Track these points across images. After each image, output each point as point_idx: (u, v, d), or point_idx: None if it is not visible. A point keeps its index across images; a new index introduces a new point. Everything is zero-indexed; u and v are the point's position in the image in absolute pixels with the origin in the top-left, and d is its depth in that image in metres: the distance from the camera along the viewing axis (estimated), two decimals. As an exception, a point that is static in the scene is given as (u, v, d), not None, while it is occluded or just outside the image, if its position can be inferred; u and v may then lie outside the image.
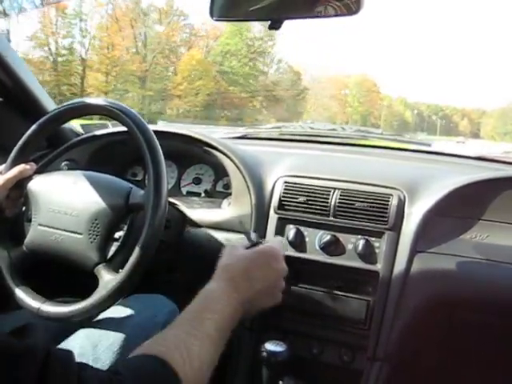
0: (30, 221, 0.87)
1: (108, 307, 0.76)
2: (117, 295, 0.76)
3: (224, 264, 0.71)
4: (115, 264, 0.81)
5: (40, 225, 0.85)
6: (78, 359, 0.70)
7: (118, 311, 0.81)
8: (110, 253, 0.82)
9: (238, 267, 0.70)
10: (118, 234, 0.84)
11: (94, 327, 0.78)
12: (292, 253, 1.00)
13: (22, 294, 0.82)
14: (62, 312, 0.77)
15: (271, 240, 0.87)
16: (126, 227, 0.84)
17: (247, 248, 0.76)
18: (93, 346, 0.73)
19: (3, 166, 0.92)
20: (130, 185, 0.86)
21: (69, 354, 0.51)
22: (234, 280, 0.68)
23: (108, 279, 0.77)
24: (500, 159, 1.28)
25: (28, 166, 0.90)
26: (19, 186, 0.89)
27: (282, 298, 0.77)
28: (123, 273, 0.76)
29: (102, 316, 0.80)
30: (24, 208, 0.92)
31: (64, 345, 0.75)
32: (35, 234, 0.85)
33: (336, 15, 0.71)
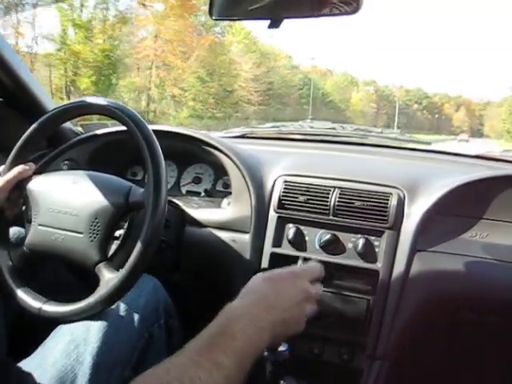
0: (30, 221, 0.87)
1: (109, 305, 0.77)
2: (118, 293, 0.76)
3: (251, 284, 0.62)
4: (116, 262, 0.81)
5: (40, 225, 0.85)
6: (69, 344, 0.72)
7: None
8: (111, 251, 0.82)
9: (268, 285, 0.61)
10: (118, 233, 0.84)
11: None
12: (292, 252, 1.01)
13: (22, 295, 0.82)
14: (63, 311, 0.78)
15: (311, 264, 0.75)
16: (126, 225, 0.84)
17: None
18: (85, 330, 0.75)
19: (2, 167, 0.92)
20: (130, 183, 0.86)
21: (7, 364, 0.52)
22: (263, 297, 0.59)
23: (109, 278, 0.77)
24: (499, 158, 1.29)
25: (27, 167, 0.90)
26: (19, 187, 0.89)
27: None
28: (124, 271, 0.76)
29: None
30: (24, 209, 0.92)
31: (56, 329, 0.77)
32: (36, 234, 0.85)
33: (335, 14, 0.71)
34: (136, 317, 0.81)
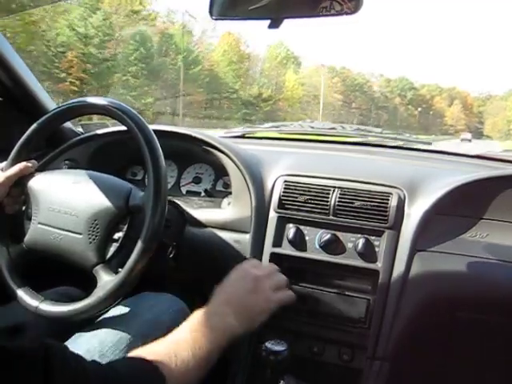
0: (30, 219, 0.88)
1: (106, 307, 0.77)
2: (115, 296, 0.76)
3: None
4: (114, 265, 0.81)
5: (40, 223, 0.85)
6: (84, 356, 0.72)
7: (126, 309, 0.82)
8: (109, 253, 0.82)
9: (225, 290, 0.79)
10: (117, 235, 0.84)
11: (102, 324, 0.78)
12: (292, 252, 1.01)
13: (20, 292, 0.82)
14: (60, 311, 0.78)
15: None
16: (125, 228, 0.84)
17: None
18: (99, 343, 0.73)
19: (4, 163, 0.92)
20: (131, 185, 0.86)
21: (63, 347, 0.53)
22: (226, 293, 0.77)
23: (106, 280, 0.77)
24: (500, 158, 1.29)
25: (29, 164, 0.90)
26: (20, 183, 0.89)
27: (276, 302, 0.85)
28: (121, 274, 0.76)
29: (109, 313, 0.80)
30: (24, 206, 0.92)
31: (71, 341, 0.75)
32: (35, 232, 0.85)
33: (336, 14, 0.71)
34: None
